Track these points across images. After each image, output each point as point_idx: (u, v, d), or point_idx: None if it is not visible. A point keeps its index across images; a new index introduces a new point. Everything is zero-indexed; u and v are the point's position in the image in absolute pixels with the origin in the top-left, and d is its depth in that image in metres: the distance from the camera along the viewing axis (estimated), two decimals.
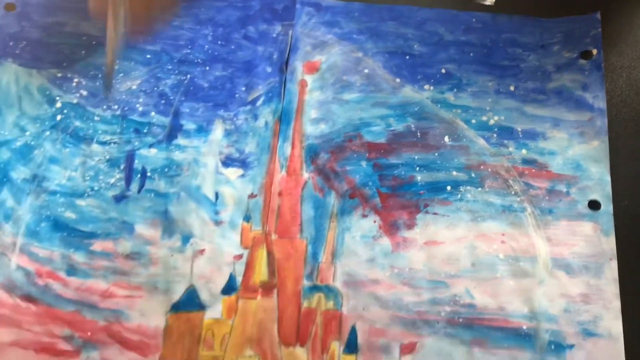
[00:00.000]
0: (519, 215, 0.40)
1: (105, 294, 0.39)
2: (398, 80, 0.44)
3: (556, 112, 0.42)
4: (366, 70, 0.44)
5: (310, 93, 0.44)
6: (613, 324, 0.37)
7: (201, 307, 0.38)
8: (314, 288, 0.39)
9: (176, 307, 0.38)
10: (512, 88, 0.43)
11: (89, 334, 0.38)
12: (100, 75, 0.44)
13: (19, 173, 0.41)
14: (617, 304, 0.38)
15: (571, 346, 0.37)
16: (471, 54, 0.44)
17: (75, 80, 0.44)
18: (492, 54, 0.44)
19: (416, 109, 0.43)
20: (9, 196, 0.41)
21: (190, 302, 0.38)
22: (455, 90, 0.43)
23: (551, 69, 0.44)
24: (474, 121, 0.42)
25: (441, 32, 0.45)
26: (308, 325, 0.38)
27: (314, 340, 0.37)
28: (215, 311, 0.38)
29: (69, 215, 0.40)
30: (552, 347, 0.37)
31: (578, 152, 0.41)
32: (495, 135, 0.42)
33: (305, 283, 0.39)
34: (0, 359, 0.37)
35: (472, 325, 0.37)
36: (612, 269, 0.38)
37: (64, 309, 0.38)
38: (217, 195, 0.41)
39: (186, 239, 0.40)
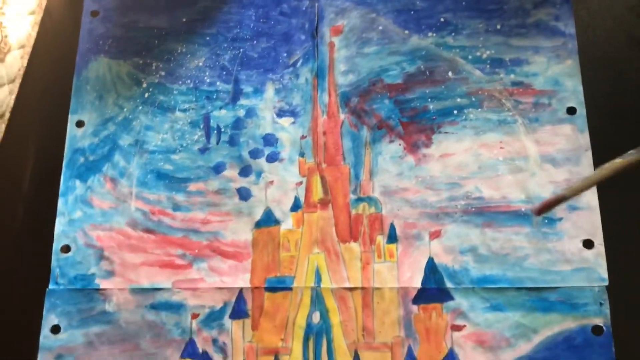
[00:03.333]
0: (512, 126, 0.51)
1: (204, 221, 0.52)
2: (407, 32, 0.55)
3: (535, 41, 0.53)
4: (380, 27, 0.55)
5: (338, 51, 0.55)
6: (591, 199, 0.48)
7: (277, 222, 0.51)
8: (359, 199, 0.51)
9: (258, 224, 0.51)
10: (498, 26, 0.54)
11: (196, 251, 0.51)
12: (172, 59, 0.56)
13: (124, 140, 0.54)
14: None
15: (560, 219, 0.48)
16: (463, 3, 0.55)
17: (154, 64, 0.56)
18: (480, 0, 0.55)
19: (423, 53, 0.54)
20: (121, 158, 0.54)
21: (268, 220, 0.51)
22: (453, 34, 0.54)
23: (529, 6, 0.54)
24: (470, 57, 0.53)
25: None
26: (358, 226, 0.50)
27: (363, 237, 0.50)
28: (287, 224, 0.51)
29: (167, 167, 0.53)
30: (546, 221, 0.48)
31: (555, 71, 0.52)
32: (488, 66, 0.53)
33: (352, 196, 0.51)
34: (136, 275, 0.50)
35: (482, 213, 0.49)
36: (587, 158, 0.49)
37: (175, 236, 0.51)
38: (276, 139, 0.53)
39: (258, 174, 0.52)
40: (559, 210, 0.48)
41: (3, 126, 0.55)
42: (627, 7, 0.53)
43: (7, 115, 0.56)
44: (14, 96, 0.57)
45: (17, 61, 0.57)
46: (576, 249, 0.48)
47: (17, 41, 0.57)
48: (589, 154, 0.49)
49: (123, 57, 0.57)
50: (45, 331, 0.50)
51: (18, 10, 0.58)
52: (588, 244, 0.48)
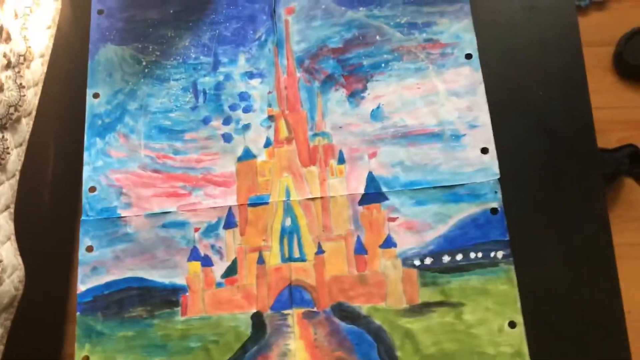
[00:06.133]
0: (425, 72, 0.68)
1: (198, 160, 0.67)
2: (343, 8, 0.71)
3: (441, 7, 0.70)
4: (323, 6, 0.72)
5: (292, 26, 0.71)
6: (485, 118, 0.65)
7: (254, 156, 0.67)
8: (315, 134, 0.67)
9: (240, 159, 0.67)
10: None
11: (194, 182, 0.67)
12: (164, 42, 0.72)
13: (131, 105, 0.70)
14: (486, 107, 0.65)
15: (463, 135, 0.65)
16: None
17: (151, 47, 0.72)
18: None
19: (357, 23, 0.71)
20: (130, 119, 0.69)
21: (248, 155, 0.67)
22: (378, 7, 0.71)
23: None
24: (392, 23, 0.70)
25: None
26: (315, 154, 0.66)
27: (320, 161, 0.66)
28: (262, 157, 0.67)
29: (167, 122, 0.69)
30: (452, 137, 0.65)
31: (456, 28, 0.69)
32: (405, 29, 0.70)
33: (309, 133, 0.67)
34: (149, 204, 0.66)
35: (406, 136, 0.66)
36: (481, 89, 0.66)
37: (176, 173, 0.67)
38: (249, 95, 0.69)
39: (237, 122, 0.68)
40: (462, 128, 0.65)
41: (31, 122, 0.68)
42: None
43: (34, 113, 0.69)
44: (37, 97, 0.69)
45: (39, 68, 0.70)
46: (476, 155, 0.64)
47: (39, 51, 0.70)
48: (482, 86, 0.66)
49: (125, 43, 0.73)
50: (82, 250, 0.65)
51: (37, 25, 0.70)
52: (484, 150, 0.64)
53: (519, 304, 0.59)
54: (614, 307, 0.59)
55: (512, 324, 0.59)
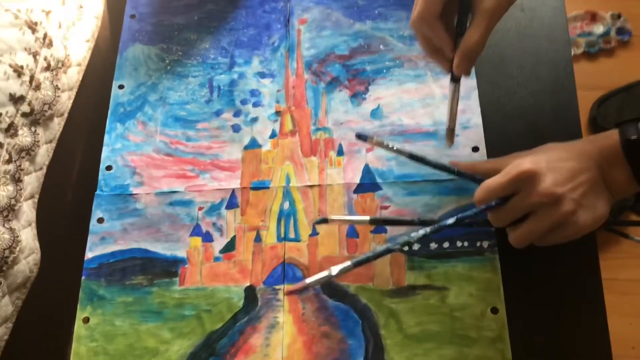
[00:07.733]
0: (423, 78, 0.73)
1: (207, 147, 0.73)
2: (351, 21, 0.78)
3: None
4: (333, 18, 0.78)
5: (303, 35, 0.78)
6: (477, 120, 0.69)
7: (259, 146, 0.72)
8: (317, 129, 0.72)
9: (246, 147, 0.72)
10: None
11: (202, 167, 0.72)
12: (187, 44, 0.79)
13: (152, 96, 0.76)
14: (478, 110, 0.70)
15: (456, 135, 0.69)
16: (392, 0, 0.78)
17: (174, 47, 0.79)
18: None
19: (363, 34, 0.77)
20: (149, 108, 0.76)
21: (254, 144, 0.72)
22: (384, 21, 0.77)
23: None
24: (395, 35, 0.76)
25: None
26: (316, 146, 0.71)
27: (320, 153, 0.71)
28: (267, 147, 0.72)
29: (182, 113, 0.75)
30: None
31: None
32: (408, 41, 0.76)
33: (312, 127, 0.72)
34: (159, 184, 0.71)
35: (403, 134, 0.70)
36: (475, 94, 0.71)
37: (187, 157, 0.72)
38: (259, 92, 0.75)
39: (246, 115, 0.74)
40: (456, 129, 0.69)
41: (63, 123, 0.74)
42: None
43: (66, 115, 0.75)
44: (71, 101, 0.76)
45: (75, 75, 0.77)
46: (467, 153, 0.68)
47: (76, 60, 0.77)
48: (476, 91, 0.71)
49: (152, 43, 0.80)
50: (93, 221, 0.69)
51: (78, 37, 0.78)
52: (475, 149, 0.68)
53: (502, 292, 0.61)
54: (596, 302, 0.60)
55: (494, 310, 0.61)
